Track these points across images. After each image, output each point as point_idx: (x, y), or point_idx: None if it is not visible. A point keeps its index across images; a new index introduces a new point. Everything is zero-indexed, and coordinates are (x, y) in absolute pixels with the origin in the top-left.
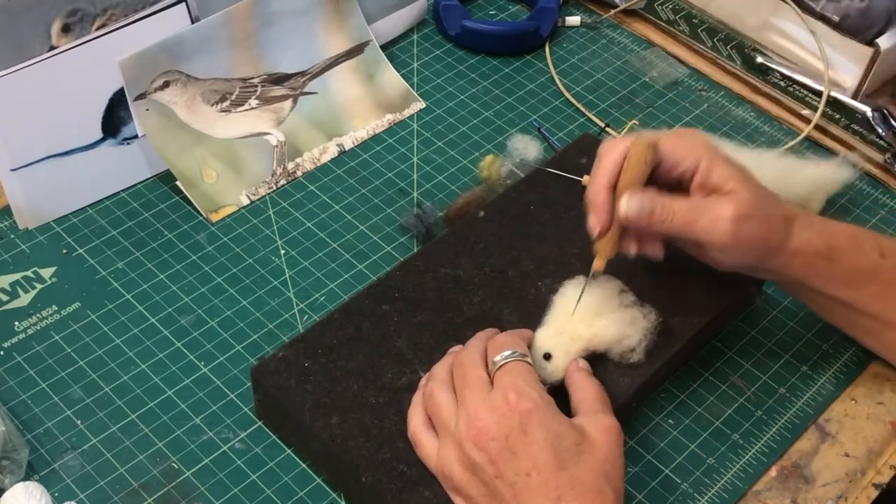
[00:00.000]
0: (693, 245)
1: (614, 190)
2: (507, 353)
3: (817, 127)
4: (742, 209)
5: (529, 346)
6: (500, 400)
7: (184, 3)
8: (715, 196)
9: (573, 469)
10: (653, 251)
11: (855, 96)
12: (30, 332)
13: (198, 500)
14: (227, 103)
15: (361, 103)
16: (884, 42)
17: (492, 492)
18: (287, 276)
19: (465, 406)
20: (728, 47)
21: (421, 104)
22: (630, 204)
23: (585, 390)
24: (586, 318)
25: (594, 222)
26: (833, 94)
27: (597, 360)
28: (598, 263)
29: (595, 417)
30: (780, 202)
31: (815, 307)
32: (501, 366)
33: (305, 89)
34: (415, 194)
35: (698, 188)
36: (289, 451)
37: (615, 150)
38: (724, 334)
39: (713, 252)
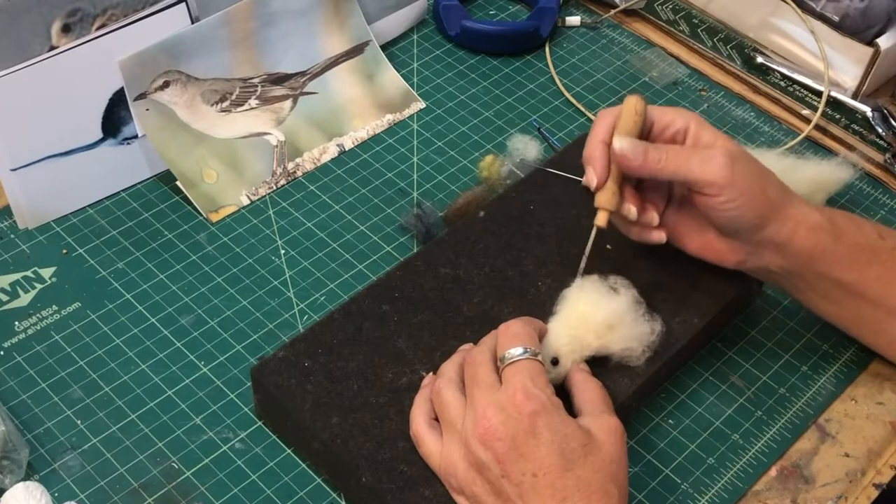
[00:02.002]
0: (706, 231)
1: (609, 147)
2: (519, 350)
3: (817, 127)
4: (733, 151)
5: (541, 339)
6: (508, 400)
7: (184, 3)
8: (705, 147)
9: (579, 470)
10: (650, 226)
11: (855, 96)
12: (30, 332)
13: (198, 500)
14: (227, 103)
15: (361, 103)
16: (884, 42)
17: (497, 491)
18: (287, 276)
19: (473, 405)
20: (728, 47)
21: (421, 104)
22: (623, 143)
23: (588, 391)
24: (600, 329)
25: (591, 174)
26: (833, 94)
27: (597, 360)
28: (600, 217)
29: (600, 418)
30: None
31: (819, 301)
32: (511, 363)
33: (305, 89)
34: (415, 194)
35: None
36: (289, 451)
37: (608, 113)
38: (724, 334)
39: (714, 200)
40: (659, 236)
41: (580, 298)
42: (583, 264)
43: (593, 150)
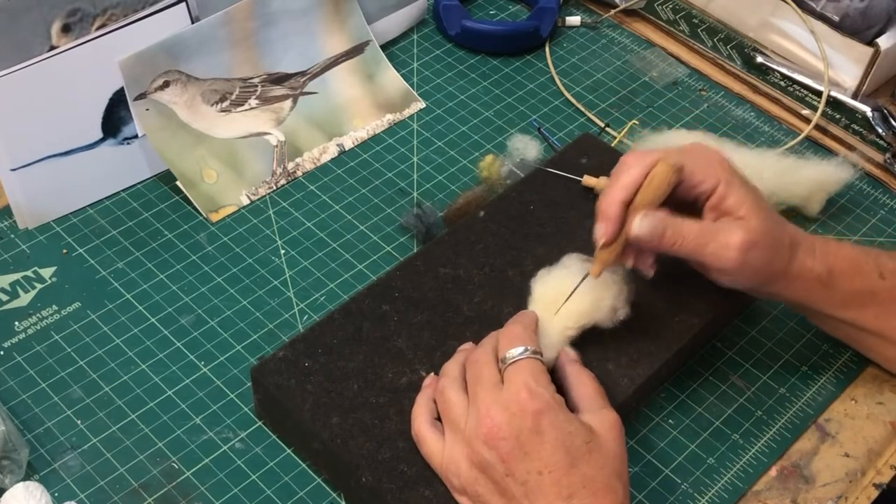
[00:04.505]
0: (698, 264)
1: (628, 204)
2: (520, 350)
3: (817, 127)
4: (750, 236)
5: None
6: (512, 399)
7: (184, 3)
8: (726, 219)
9: (584, 468)
10: (645, 268)
11: (855, 96)
12: (30, 332)
13: (198, 500)
14: (227, 103)
15: (361, 103)
16: (884, 42)
17: (501, 490)
18: (287, 276)
19: (476, 404)
20: (728, 47)
21: (421, 104)
22: (643, 224)
23: (583, 385)
24: (557, 299)
25: (601, 233)
26: (833, 94)
27: (596, 361)
28: (595, 270)
29: (599, 414)
30: (787, 226)
31: (816, 321)
32: (513, 363)
33: (305, 89)
34: (415, 194)
35: (711, 209)
36: (289, 451)
37: (638, 167)
38: (724, 334)
39: (718, 276)
40: (647, 273)
41: (534, 290)
42: (565, 301)
43: (609, 209)
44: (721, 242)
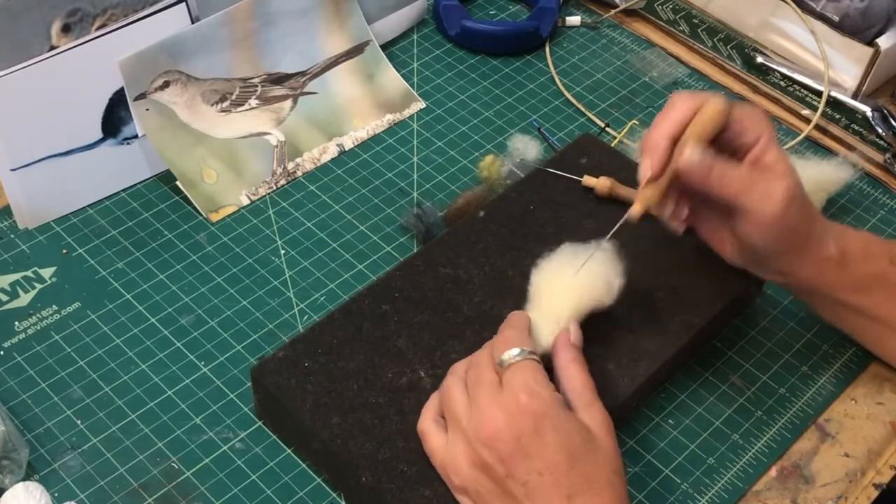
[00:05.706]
0: (723, 229)
1: (676, 141)
2: (516, 351)
3: (817, 127)
4: (793, 191)
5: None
6: (512, 400)
7: (184, 3)
8: (768, 173)
9: (584, 467)
10: (677, 220)
11: (855, 96)
12: (30, 332)
13: (198, 500)
14: (227, 103)
15: (361, 103)
16: (884, 42)
17: (502, 490)
18: (287, 276)
19: (477, 405)
20: (728, 47)
21: (421, 104)
22: (694, 153)
23: (574, 378)
24: (559, 284)
25: (647, 167)
26: (833, 94)
27: (596, 361)
28: (636, 208)
29: (591, 411)
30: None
31: (821, 311)
32: (510, 365)
33: (305, 89)
34: (415, 194)
35: (751, 162)
36: (289, 451)
37: (689, 102)
38: (724, 334)
39: (751, 228)
40: (678, 228)
41: (533, 282)
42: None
43: (658, 142)
44: (764, 190)
